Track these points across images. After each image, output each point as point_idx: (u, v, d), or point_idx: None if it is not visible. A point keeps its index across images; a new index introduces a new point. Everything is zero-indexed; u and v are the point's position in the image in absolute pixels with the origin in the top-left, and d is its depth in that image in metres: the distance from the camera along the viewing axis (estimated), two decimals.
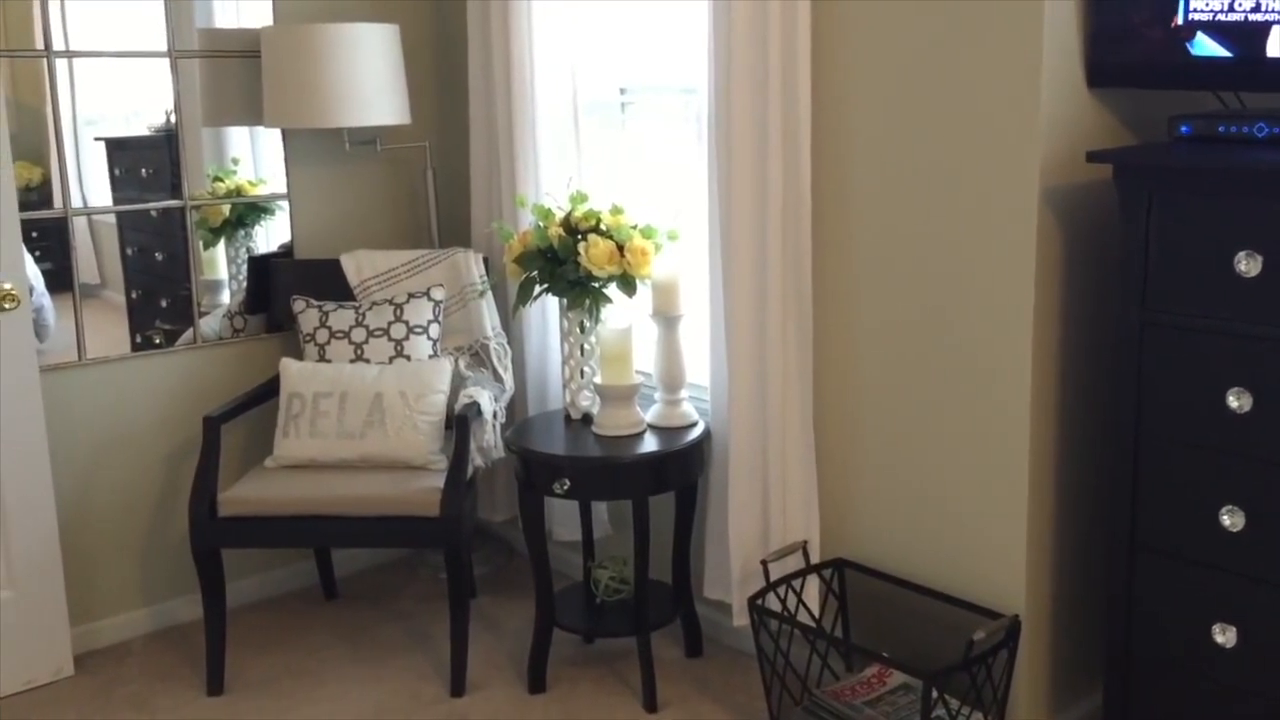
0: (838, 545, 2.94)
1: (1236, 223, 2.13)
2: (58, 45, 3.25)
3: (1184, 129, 2.32)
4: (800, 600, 2.86)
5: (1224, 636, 2.24)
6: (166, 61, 3.43)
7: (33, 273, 3.22)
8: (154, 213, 3.52)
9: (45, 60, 3.24)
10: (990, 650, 2.49)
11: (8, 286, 3.00)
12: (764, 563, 2.84)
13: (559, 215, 3.16)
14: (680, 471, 3.03)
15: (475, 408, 3.21)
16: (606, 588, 3.20)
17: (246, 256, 3.70)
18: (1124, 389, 2.32)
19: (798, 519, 2.92)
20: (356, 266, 3.58)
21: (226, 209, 3.63)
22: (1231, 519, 2.20)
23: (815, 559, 2.92)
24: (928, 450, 2.72)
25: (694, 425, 3.09)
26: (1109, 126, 2.53)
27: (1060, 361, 2.56)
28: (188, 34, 3.47)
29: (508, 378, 3.52)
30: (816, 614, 2.89)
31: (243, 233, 3.69)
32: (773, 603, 2.81)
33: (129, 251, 3.51)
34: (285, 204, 3.71)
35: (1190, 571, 2.28)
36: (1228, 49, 2.25)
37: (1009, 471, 2.57)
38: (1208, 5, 2.26)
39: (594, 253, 3.02)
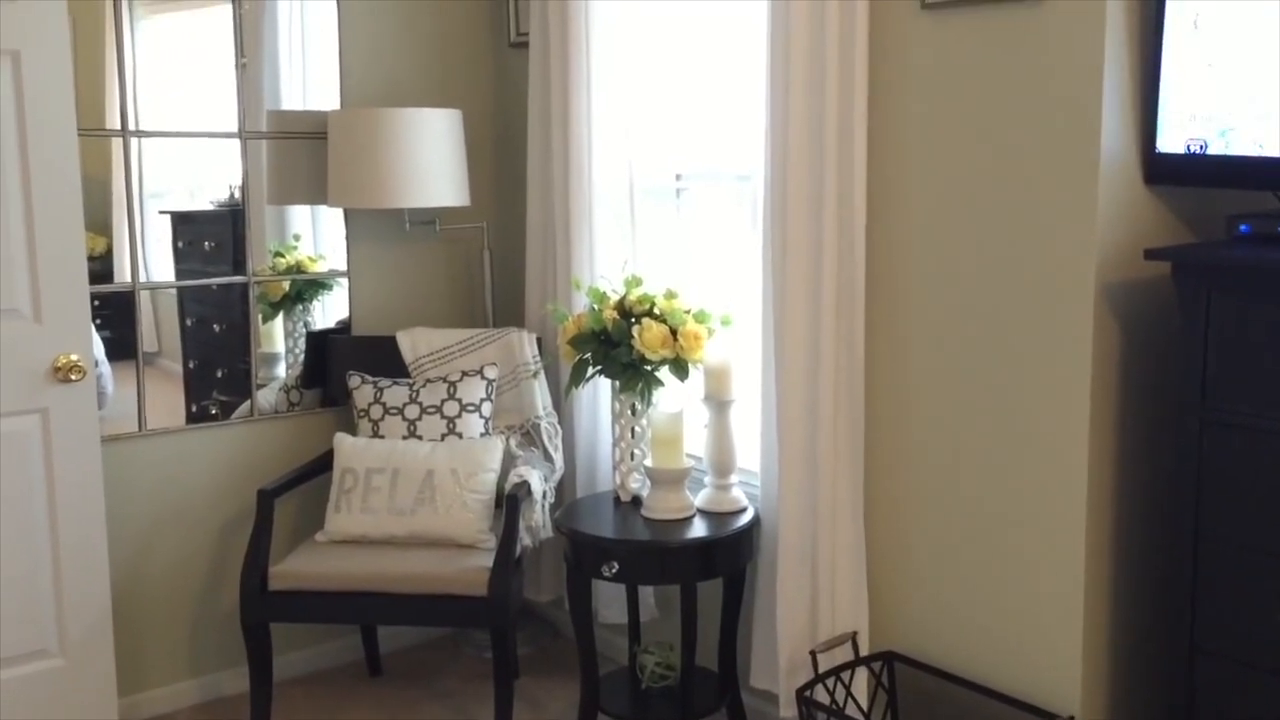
0: (887, 638, 2.91)
1: None
2: (129, 124, 3.35)
3: (1243, 228, 2.31)
4: (849, 693, 2.82)
5: None
6: (234, 140, 3.53)
7: (94, 341, 3.29)
8: (214, 285, 3.60)
9: (120, 139, 3.34)
10: None
11: (74, 358, 3.06)
12: (813, 653, 2.81)
13: (613, 298, 3.19)
14: (729, 557, 3.02)
15: (525, 487, 3.22)
16: (652, 674, 3.18)
17: (304, 331, 3.76)
18: (1183, 487, 2.29)
19: (847, 609, 2.89)
20: (412, 344, 3.63)
21: (286, 284, 3.70)
22: None
23: (865, 651, 2.88)
24: (981, 544, 2.69)
25: (744, 511, 3.08)
26: (1166, 223, 2.53)
27: (1117, 457, 2.53)
28: (257, 115, 3.57)
29: (558, 458, 3.54)
30: (866, 708, 2.85)
31: (301, 307, 3.75)
32: (821, 695, 2.77)
33: (188, 322, 3.57)
34: (344, 280, 3.78)
35: (1252, 677, 2.23)
36: None
37: (1064, 568, 2.53)
38: None
39: (647, 336, 3.05)
